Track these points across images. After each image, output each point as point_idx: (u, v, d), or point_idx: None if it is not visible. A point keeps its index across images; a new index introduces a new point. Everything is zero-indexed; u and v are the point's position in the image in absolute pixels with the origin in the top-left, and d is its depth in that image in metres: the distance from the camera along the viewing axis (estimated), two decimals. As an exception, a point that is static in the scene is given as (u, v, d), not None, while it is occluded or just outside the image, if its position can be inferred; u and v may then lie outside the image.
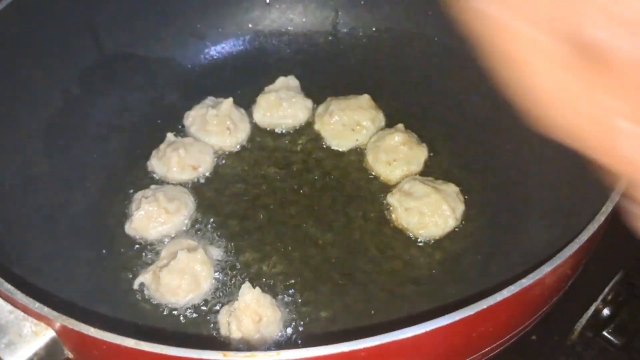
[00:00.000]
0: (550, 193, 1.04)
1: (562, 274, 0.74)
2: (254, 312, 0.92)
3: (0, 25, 1.02)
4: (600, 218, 0.73)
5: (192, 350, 0.62)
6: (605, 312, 1.03)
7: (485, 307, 0.64)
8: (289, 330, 0.96)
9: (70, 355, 0.71)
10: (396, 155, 1.14)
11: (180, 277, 0.97)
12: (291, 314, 0.97)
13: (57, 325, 0.67)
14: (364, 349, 0.61)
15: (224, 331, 0.94)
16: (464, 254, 1.04)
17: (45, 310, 0.67)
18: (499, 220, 1.07)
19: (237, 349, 0.91)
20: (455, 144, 1.19)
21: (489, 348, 0.74)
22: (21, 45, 1.07)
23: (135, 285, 0.99)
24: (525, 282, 0.67)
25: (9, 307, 0.69)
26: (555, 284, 0.75)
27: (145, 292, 0.99)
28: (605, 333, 1.03)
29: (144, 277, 0.99)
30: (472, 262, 1.03)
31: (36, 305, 0.67)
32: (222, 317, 0.95)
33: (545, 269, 0.68)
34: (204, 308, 0.98)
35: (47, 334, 0.68)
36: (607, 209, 0.74)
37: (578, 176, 0.98)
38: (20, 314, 0.69)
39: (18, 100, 1.06)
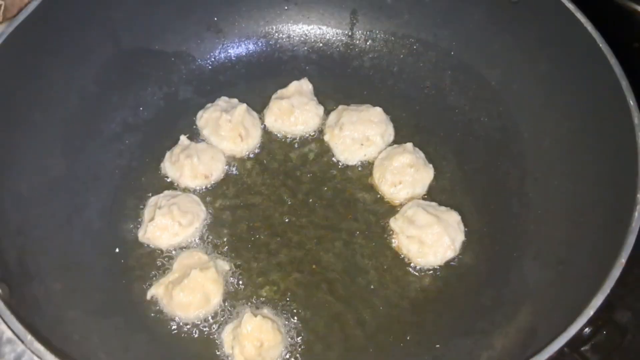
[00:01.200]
0: (547, 232, 1.07)
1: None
2: (255, 339, 0.98)
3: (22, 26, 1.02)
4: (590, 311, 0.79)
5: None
6: (586, 331, 1.11)
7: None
8: (289, 355, 1.01)
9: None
10: (402, 178, 1.16)
11: (192, 295, 1.02)
12: (291, 337, 1.03)
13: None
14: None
15: (227, 349, 1.01)
16: (459, 285, 1.08)
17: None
18: (494, 254, 1.10)
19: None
20: (461, 164, 1.21)
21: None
22: (39, 44, 1.07)
23: (148, 297, 1.05)
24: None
25: None
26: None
27: (157, 304, 1.05)
28: (582, 350, 1.10)
29: (157, 290, 1.04)
30: (466, 294, 1.07)
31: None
32: (226, 336, 1.02)
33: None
34: (211, 323, 1.04)
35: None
36: (596, 302, 0.79)
37: (575, 224, 1.03)
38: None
39: (36, 103, 1.07)
